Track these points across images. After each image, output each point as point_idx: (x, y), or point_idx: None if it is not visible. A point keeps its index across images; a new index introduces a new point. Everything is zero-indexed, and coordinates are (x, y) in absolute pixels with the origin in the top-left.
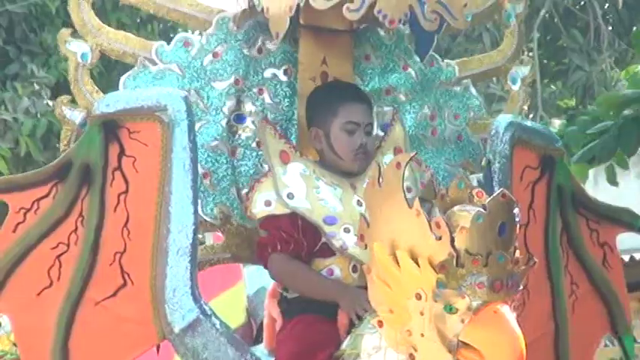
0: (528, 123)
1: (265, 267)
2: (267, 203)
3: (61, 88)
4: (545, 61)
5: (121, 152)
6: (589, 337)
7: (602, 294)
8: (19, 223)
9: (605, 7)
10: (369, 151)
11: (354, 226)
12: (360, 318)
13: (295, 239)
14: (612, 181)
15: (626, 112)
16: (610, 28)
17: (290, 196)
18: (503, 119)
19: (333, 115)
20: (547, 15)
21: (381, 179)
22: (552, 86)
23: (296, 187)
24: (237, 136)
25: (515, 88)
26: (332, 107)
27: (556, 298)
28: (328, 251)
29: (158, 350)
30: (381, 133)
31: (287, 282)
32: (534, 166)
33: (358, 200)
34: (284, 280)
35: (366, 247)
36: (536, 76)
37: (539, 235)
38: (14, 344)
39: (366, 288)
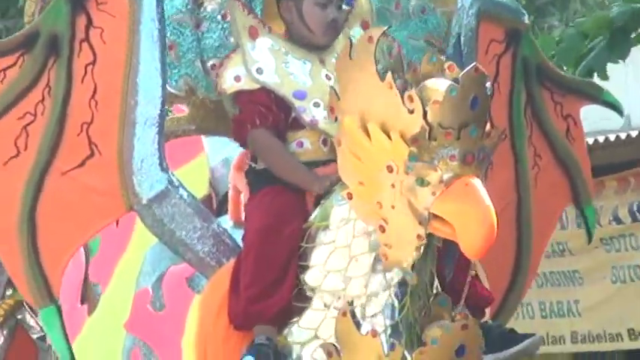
0: None
1: (243, 144)
2: (237, 79)
3: None
4: None
5: (89, 23)
6: (551, 209)
7: (565, 166)
8: None
9: None
10: (338, 26)
11: (324, 100)
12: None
13: (273, 112)
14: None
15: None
16: None
17: (259, 70)
18: None
19: None
20: None
21: (352, 52)
22: None
23: (265, 61)
24: (202, 8)
25: None
26: None
27: (519, 170)
28: (297, 124)
29: (117, 223)
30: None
31: (266, 159)
32: (500, 39)
33: (327, 74)
34: (265, 156)
35: (336, 120)
36: None
37: (503, 107)
38: None
39: (335, 161)
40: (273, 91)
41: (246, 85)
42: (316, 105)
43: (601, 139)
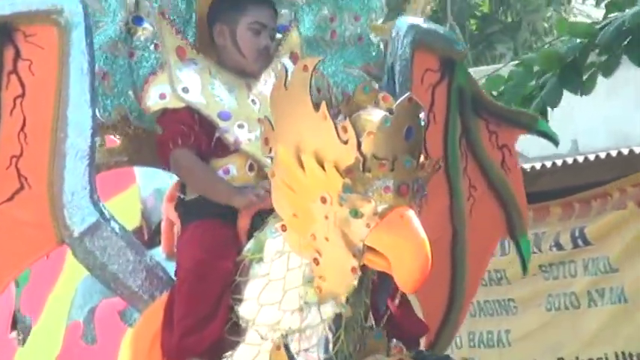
0: (429, 25)
1: (167, 165)
2: (162, 96)
3: None
4: None
5: (17, 55)
6: (486, 240)
7: (500, 197)
8: None
9: None
10: (270, 54)
11: (248, 122)
12: (259, 197)
13: (195, 132)
14: None
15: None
16: None
17: (185, 90)
18: (403, 21)
19: (241, 14)
20: None
21: (287, 82)
22: None
23: (191, 82)
24: (135, 37)
25: None
26: (241, 5)
27: (454, 201)
28: (223, 150)
29: (47, 255)
30: (278, 36)
31: (188, 179)
32: (435, 68)
33: (253, 99)
34: (186, 176)
35: (270, 151)
36: None
37: (438, 137)
38: None
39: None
40: (198, 111)
41: (170, 103)
42: (240, 126)
43: (548, 164)
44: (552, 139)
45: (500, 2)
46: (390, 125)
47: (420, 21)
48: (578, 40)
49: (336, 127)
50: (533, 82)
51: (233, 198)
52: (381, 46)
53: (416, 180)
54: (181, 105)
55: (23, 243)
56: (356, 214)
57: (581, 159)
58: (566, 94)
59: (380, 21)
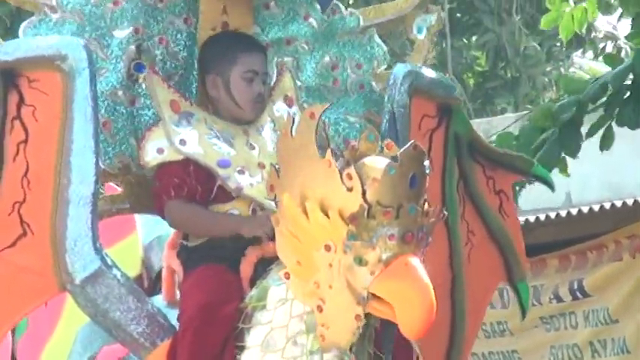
0: (427, 72)
1: (163, 217)
2: (160, 151)
3: None
4: (457, 15)
5: (21, 101)
6: (485, 286)
7: (497, 242)
8: None
9: None
10: (264, 100)
11: (248, 168)
12: (269, 235)
13: (188, 184)
14: None
15: (563, 116)
16: None
17: (182, 142)
18: (401, 68)
19: (232, 64)
20: None
21: (293, 130)
22: (464, 40)
23: (188, 134)
24: (137, 85)
25: (421, 37)
26: (231, 55)
27: (452, 247)
28: (225, 196)
29: (46, 303)
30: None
31: (186, 226)
32: (432, 114)
33: (251, 144)
34: (183, 225)
35: (275, 198)
36: (446, 31)
37: (436, 183)
38: None
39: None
40: (197, 161)
41: (169, 156)
42: (241, 172)
43: (542, 216)
44: (548, 183)
45: (499, 58)
46: (395, 173)
47: (417, 67)
48: (574, 97)
49: (340, 175)
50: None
51: (242, 225)
52: (382, 93)
53: (421, 227)
54: (179, 157)
55: (24, 290)
56: (360, 261)
57: (575, 211)
58: None
59: (382, 69)
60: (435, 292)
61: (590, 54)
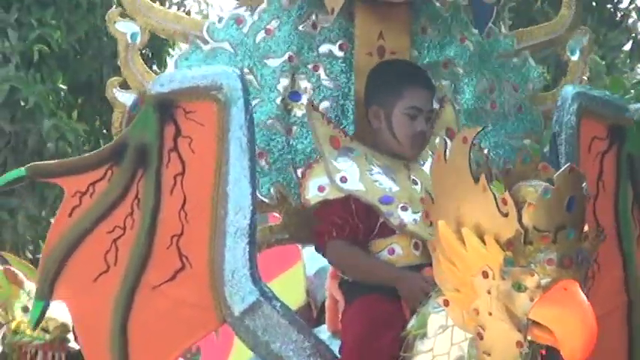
0: (596, 92)
1: (324, 255)
2: (321, 189)
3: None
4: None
5: (177, 133)
6: None
7: None
8: (75, 207)
9: None
10: (426, 138)
11: (411, 204)
12: (428, 283)
13: (350, 223)
14: None
15: None
16: None
17: (343, 179)
18: (569, 90)
19: (397, 97)
20: None
21: (447, 154)
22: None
23: (348, 170)
24: (292, 114)
25: (575, 58)
26: (397, 89)
27: (628, 271)
28: (388, 230)
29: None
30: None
31: (345, 269)
32: (602, 136)
33: (413, 179)
34: (342, 267)
35: (431, 225)
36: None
37: (609, 206)
38: (43, 329)
39: (428, 265)
40: (359, 199)
41: (330, 194)
42: (404, 209)
43: None
44: None
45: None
46: (551, 196)
47: (585, 88)
48: None
49: (495, 200)
50: None
51: (400, 283)
52: (541, 115)
53: (580, 251)
54: (341, 195)
55: (184, 323)
56: (519, 287)
57: None
58: None
59: (537, 90)
60: (609, 318)
61: None
